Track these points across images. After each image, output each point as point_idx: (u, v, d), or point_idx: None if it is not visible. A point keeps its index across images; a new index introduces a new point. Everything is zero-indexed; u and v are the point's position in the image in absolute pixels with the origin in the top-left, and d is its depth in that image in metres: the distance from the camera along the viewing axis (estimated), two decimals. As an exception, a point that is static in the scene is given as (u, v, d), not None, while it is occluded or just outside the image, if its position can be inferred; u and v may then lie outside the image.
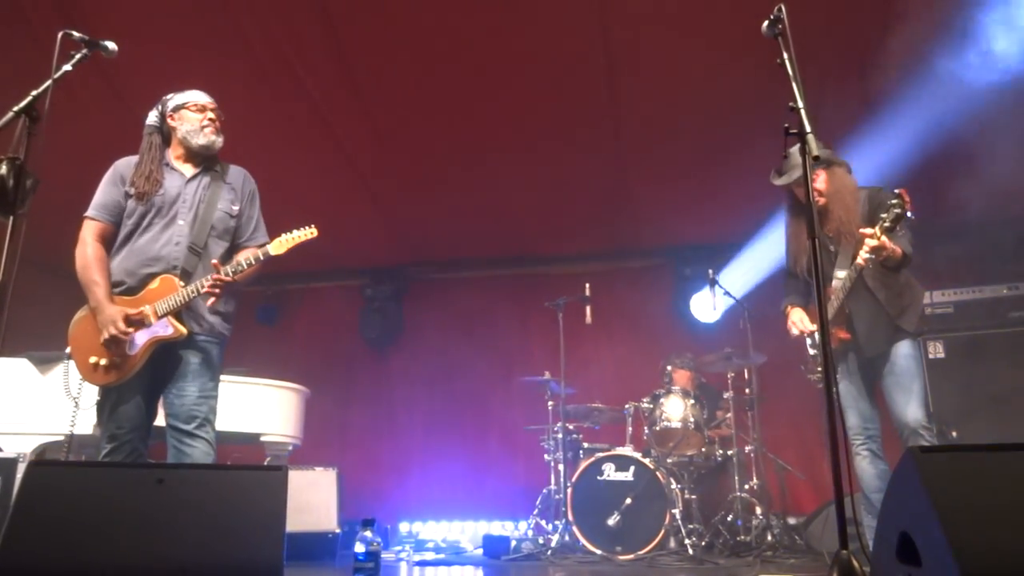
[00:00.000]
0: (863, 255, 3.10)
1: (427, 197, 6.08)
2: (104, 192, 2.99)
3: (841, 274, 3.30)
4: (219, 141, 3.07)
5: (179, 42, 3.93)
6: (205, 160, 3.07)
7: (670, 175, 5.68)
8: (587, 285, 5.24)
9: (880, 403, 3.38)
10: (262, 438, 4.94)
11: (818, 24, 3.93)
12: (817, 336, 3.42)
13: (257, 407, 4.90)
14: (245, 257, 2.88)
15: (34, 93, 2.44)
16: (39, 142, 2.70)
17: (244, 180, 3.16)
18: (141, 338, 2.84)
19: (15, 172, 2.44)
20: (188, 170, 3.04)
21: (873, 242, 3.05)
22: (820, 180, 3.38)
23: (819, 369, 3.46)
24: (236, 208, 3.08)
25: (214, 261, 2.85)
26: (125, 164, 3.03)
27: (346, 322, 7.47)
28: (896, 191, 3.06)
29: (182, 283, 2.86)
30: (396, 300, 7.44)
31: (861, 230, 3.12)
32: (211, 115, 3.06)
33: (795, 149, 3.13)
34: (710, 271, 5.34)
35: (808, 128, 2.27)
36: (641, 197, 6.00)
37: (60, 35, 2.55)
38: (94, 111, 4.55)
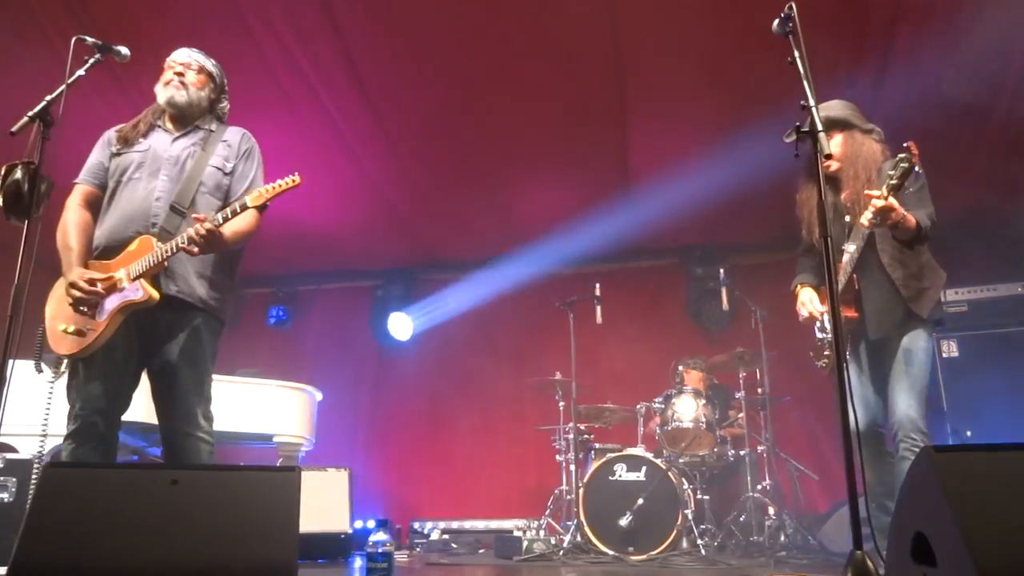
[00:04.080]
0: (866, 216, 2.85)
1: (438, 198, 6.09)
2: (92, 156, 2.88)
3: (853, 247, 3.03)
4: (178, 96, 2.88)
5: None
6: (197, 119, 2.94)
7: (681, 174, 5.66)
8: (597, 285, 5.24)
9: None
10: (275, 439, 4.97)
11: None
12: (827, 320, 3.19)
13: (270, 408, 4.93)
14: (222, 212, 2.64)
15: (48, 98, 2.46)
16: (53, 147, 2.73)
17: (242, 137, 2.98)
18: (111, 303, 2.62)
19: (30, 177, 2.46)
20: (177, 129, 2.91)
21: (879, 203, 2.78)
22: (835, 143, 3.12)
23: (826, 354, 3.26)
24: (230, 165, 2.90)
25: (196, 215, 2.62)
26: (115, 129, 2.92)
27: (357, 323, 7.50)
28: (905, 144, 2.79)
29: (159, 243, 2.63)
30: (407, 301, 7.45)
31: (867, 191, 2.87)
32: (178, 70, 2.90)
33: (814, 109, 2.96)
34: (721, 270, 5.33)
35: (820, 127, 2.26)
36: (651, 196, 5.98)
37: (74, 40, 2.57)
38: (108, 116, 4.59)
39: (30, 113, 2.41)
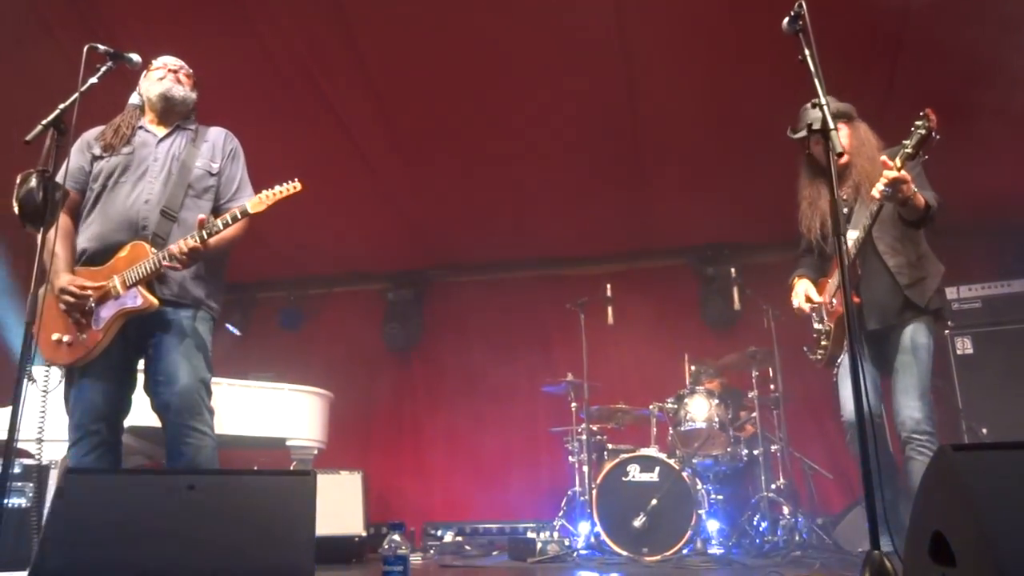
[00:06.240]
0: (878, 187, 2.79)
1: (448, 200, 6.10)
2: (72, 160, 2.76)
3: (853, 235, 3.00)
4: (176, 90, 2.92)
5: (201, 57, 3.98)
6: (179, 119, 2.95)
7: (691, 174, 5.65)
8: (608, 286, 5.23)
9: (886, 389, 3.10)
10: (288, 442, 4.98)
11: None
12: (824, 311, 3.21)
13: (282, 412, 4.94)
14: (222, 217, 2.64)
15: (61, 106, 2.47)
16: (67, 154, 2.74)
17: (225, 138, 3.00)
18: (107, 311, 2.60)
19: (44, 185, 2.48)
20: (161, 131, 2.91)
21: (891, 174, 2.72)
22: (843, 134, 3.09)
23: (823, 344, 3.24)
24: (216, 166, 2.90)
25: (201, 216, 2.63)
26: (92, 132, 2.90)
27: (369, 326, 7.51)
28: (922, 112, 2.73)
29: (153, 249, 2.64)
30: (418, 303, 7.47)
31: (882, 158, 2.80)
32: (172, 67, 2.95)
33: (809, 105, 2.94)
34: (732, 270, 5.31)
35: (831, 125, 2.25)
36: (662, 197, 5.98)
37: (86, 48, 2.58)
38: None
39: (44, 121, 2.42)
